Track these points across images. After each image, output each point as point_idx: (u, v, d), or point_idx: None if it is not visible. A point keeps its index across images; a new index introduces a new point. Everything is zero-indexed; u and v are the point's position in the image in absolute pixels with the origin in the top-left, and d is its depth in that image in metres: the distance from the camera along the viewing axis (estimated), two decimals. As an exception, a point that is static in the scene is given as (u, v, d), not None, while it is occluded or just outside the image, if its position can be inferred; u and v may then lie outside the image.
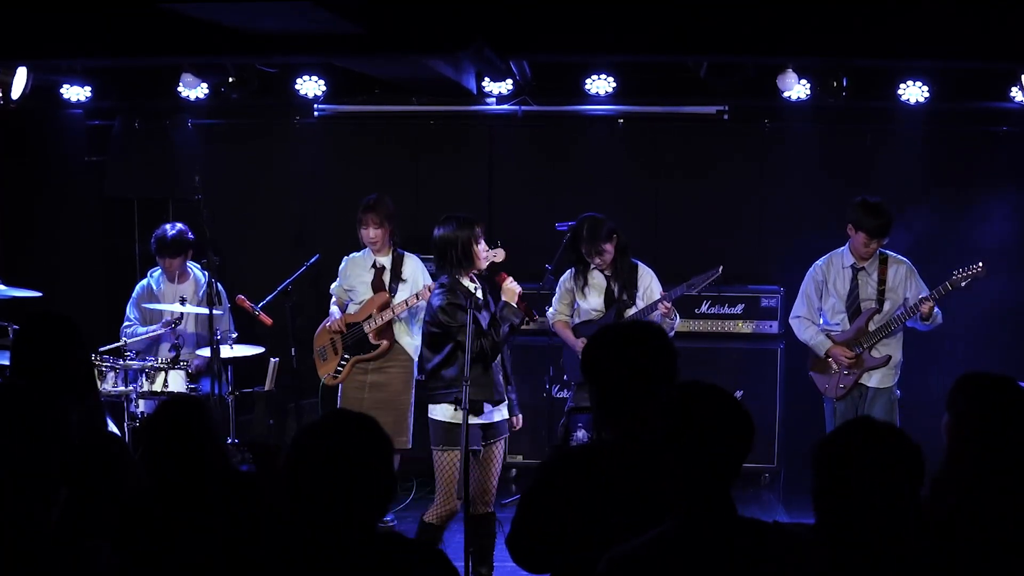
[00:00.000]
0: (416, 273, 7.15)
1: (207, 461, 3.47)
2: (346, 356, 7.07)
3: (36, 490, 2.77)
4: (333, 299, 7.24)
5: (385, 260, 7.10)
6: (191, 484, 3.41)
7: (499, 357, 5.74)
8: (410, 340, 7.13)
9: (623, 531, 2.82)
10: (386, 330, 7.03)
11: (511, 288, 5.73)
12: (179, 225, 7.53)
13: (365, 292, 7.08)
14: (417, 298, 6.86)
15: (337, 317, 7.11)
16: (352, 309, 7.13)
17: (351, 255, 7.19)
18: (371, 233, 7.02)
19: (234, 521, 3.35)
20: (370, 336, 6.99)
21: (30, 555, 2.70)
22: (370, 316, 6.99)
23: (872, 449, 2.61)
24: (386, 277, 7.07)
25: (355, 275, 7.11)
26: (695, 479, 2.75)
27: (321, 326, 7.21)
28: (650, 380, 3.21)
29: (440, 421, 5.70)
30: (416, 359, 7.17)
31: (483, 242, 5.78)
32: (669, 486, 2.78)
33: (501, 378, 5.76)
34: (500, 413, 5.81)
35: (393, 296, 7.03)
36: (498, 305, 5.72)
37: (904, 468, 2.61)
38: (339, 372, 7.09)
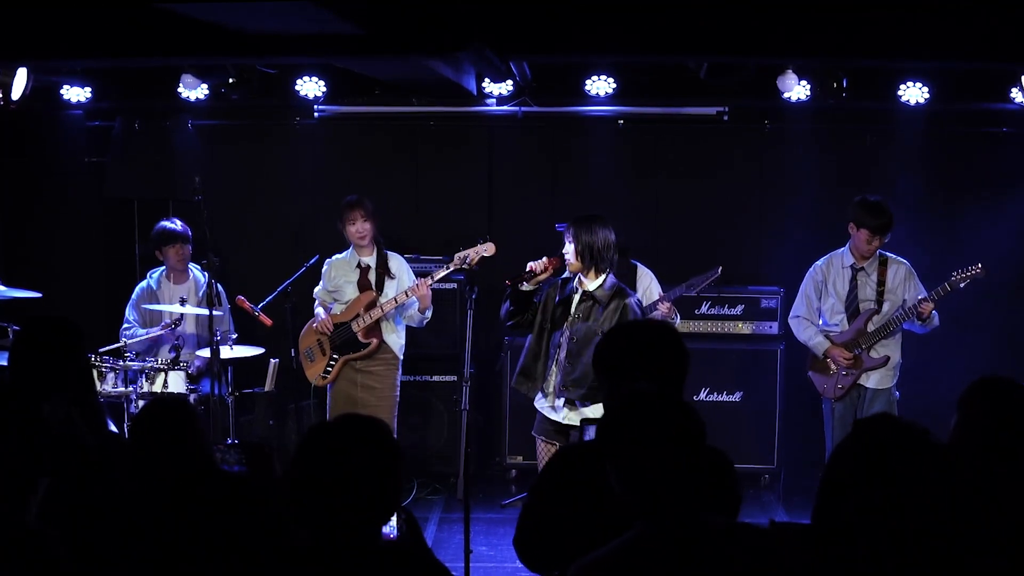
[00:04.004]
0: (402, 270, 7.17)
1: (193, 462, 3.46)
2: (335, 356, 7.07)
3: (10, 485, 2.78)
4: (317, 302, 7.24)
5: (369, 259, 7.12)
6: (178, 484, 3.41)
7: (552, 349, 5.72)
8: (396, 339, 7.15)
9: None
10: (374, 328, 7.04)
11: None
12: (177, 219, 7.60)
13: (352, 292, 7.10)
14: (406, 295, 6.90)
15: (323, 318, 7.09)
16: (337, 309, 7.14)
17: (333, 257, 7.21)
18: (359, 227, 7.02)
19: (227, 521, 3.35)
20: (359, 335, 7.00)
21: (6, 549, 2.70)
22: (358, 315, 7.01)
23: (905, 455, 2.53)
24: (372, 276, 7.09)
25: (340, 276, 7.12)
26: (651, 485, 2.72)
27: (306, 327, 7.21)
28: (659, 377, 3.22)
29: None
30: (401, 357, 7.17)
31: (567, 244, 5.79)
32: (626, 494, 2.76)
33: (549, 373, 5.73)
34: (560, 412, 5.74)
35: (381, 293, 7.05)
36: None
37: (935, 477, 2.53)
38: (328, 372, 7.10)
